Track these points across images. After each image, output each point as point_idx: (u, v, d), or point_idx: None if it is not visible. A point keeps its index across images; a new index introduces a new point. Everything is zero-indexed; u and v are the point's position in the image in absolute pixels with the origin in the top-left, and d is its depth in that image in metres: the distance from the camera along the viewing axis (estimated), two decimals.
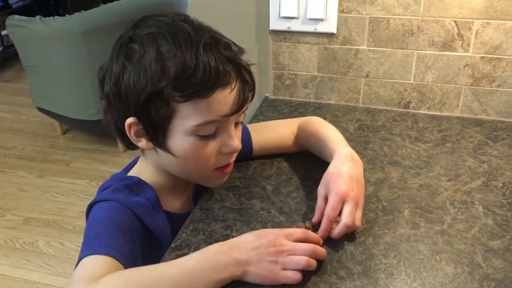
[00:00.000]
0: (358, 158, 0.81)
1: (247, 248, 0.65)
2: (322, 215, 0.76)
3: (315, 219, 0.78)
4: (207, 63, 0.67)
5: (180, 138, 0.72)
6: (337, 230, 0.74)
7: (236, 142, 0.76)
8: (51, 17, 2.43)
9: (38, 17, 2.43)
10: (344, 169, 0.77)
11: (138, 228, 0.73)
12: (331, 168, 0.79)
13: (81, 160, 2.60)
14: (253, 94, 0.76)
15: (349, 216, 0.74)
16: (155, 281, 0.60)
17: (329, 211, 0.74)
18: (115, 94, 0.72)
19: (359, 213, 0.76)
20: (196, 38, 0.69)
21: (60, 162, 2.60)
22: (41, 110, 2.68)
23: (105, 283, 0.58)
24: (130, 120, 0.72)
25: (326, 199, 0.77)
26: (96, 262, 0.62)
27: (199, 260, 0.64)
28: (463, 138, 1.06)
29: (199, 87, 0.68)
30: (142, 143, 0.75)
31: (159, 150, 0.75)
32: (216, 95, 0.69)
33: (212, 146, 0.74)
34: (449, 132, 1.08)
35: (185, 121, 0.71)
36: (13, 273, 1.91)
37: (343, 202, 0.74)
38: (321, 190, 0.78)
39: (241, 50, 0.74)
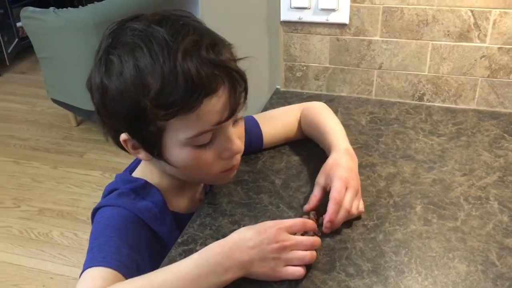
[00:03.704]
0: (354, 154, 0.84)
1: (248, 246, 0.63)
2: (317, 203, 0.77)
3: (308, 206, 0.78)
4: (187, 73, 0.62)
5: (176, 150, 0.69)
6: (338, 217, 0.75)
7: (235, 145, 0.71)
8: (65, 9, 2.44)
9: (51, 8, 2.44)
10: (343, 161, 0.80)
11: (145, 234, 0.72)
12: (330, 160, 0.81)
13: (95, 152, 2.62)
14: (246, 94, 0.70)
15: (350, 202, 0.75)
16: None
17: (335, 194, 0.74)
18: (103, 110, 0.69)
19: (357, 202, 0.77)
20: (173, 44, 0.63)
21: (74, 154, 2.62)
22: (55, 101, 2.69)
23: None
24: (123, 136, 0.70)
25: (323, 189, 0.78)
26: (98, 275, 0.61)
27: (200, 265, 0.61)
28: (479, 131, 1.03)
29: (183, 103, 0.63)
30: (141, 155, 0.73)
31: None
32: (204, 105, 0.64)
33: (211, 153, 0.70)
34: (464, 125, 1.06)
35: (177, 134, 0.67)
36: (28, 263, 1.93)
37: (346, 188, 0.75)
38: (320, 180, 0.79)
39: (227, 46, 0.69)
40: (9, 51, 3.48)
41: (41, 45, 2.55)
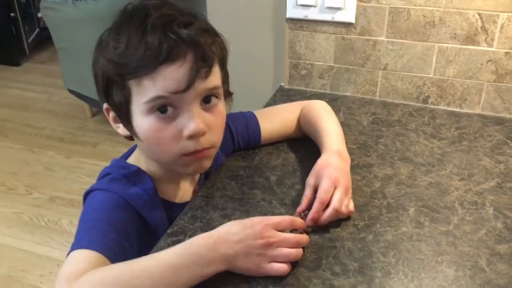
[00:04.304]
0: (347, 156, 0.84)
1: (233, 240, 0.63)
2: (308, 204, 0.77)
3: (300, 208, 0.77)
4: (150, 41, 0.67)
5: (140, 119, 0.71)
6: (326, 214, 0.75)
7: (194, 123, 0.69)
8: (83, 0, 2.47)
9: (70, 0, 2.47)
10: (333, 161, 0.80)
11: (134, 220, 0.73)
12: (320, 161, 0.81)
13: (108, 143, 2.65)
14: (208, 71, 0.70)
15: (339, 201, 0.75)
16: (134, 278, 0.59)
17: (322, 193, 0.75)
18: (95, 81, 0.74)
19: (347, 201, 0.77)
20: (149, 18, 0.68)
21: (88, 144, 2.65)
22: (71, 92, 2.73)
23: (82, 282, 0.58)
24: (105, 105, 0.75)
25: (314, 189, 0.78)
26: (83, 257, 0.62)
27: (182, 256, 0.62)
28: (481, 136, 1.02)
29: (140, 63, 0.67)
30: (120, 129, 0.75)
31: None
32: (161, 70, 0.67)
33: (171, 129, 0.70)
34: (467, 130, 1.04)
35: (139, 99, 0.70)
36: (37, 249, 1.96)
37: (334, 187, 0.75)
38: (310, 180, 0.79)
39: (209, 33, 0.72)
40: (29, 40, 3.53)
41: (59, 36, 2.59)
